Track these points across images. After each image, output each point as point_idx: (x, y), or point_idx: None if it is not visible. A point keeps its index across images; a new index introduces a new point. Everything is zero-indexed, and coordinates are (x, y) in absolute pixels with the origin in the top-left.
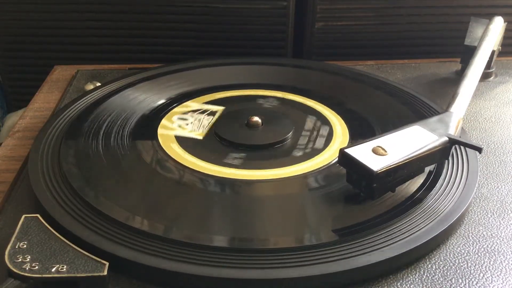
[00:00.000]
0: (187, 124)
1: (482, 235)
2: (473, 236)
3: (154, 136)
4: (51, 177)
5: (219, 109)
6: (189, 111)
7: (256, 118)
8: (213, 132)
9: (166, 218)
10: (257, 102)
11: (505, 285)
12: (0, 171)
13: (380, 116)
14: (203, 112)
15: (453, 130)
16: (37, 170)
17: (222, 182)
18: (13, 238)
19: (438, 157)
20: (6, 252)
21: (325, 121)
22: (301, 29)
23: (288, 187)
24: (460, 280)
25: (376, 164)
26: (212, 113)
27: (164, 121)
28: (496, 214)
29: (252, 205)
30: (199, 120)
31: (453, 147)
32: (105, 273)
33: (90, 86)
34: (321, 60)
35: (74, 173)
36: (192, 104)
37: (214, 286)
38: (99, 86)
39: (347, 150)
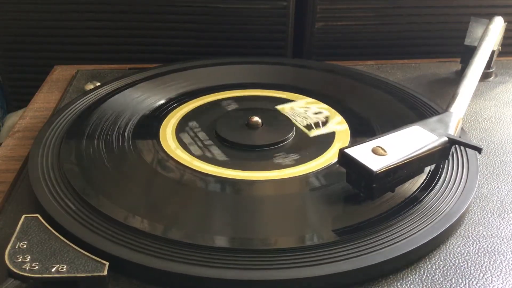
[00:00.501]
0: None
1: (482, 235)
2: (473, 236)
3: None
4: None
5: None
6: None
7: (256, 118)
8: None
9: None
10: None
11: (505, 285)
12: (0, 171)
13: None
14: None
15: (453, 130)
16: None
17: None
18: (13, 238)
19: (438, 157)
20: (6, 252)
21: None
22: (301, 29)
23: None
24: (460, 280)
25: (376, 164)
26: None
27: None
28: (496, 214)
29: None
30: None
31: (453, 147)
32: (105, 273)
33: (90, 86)
34: (321, 60)
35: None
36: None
37: (214, 287)
38: (99, 86)
39: (346, 150)
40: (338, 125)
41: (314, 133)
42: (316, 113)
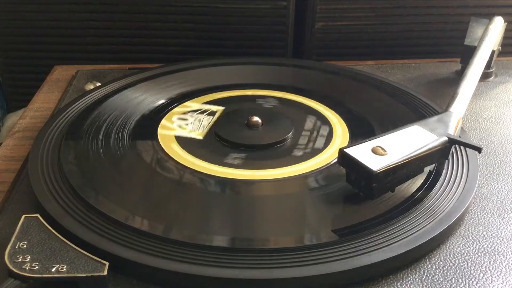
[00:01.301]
0: (187, 124)
1: (482, 235)
2: (473, 236)
3: (154, 136)
4: (51, 177)
5: (219, 109)
6: (189, 111)
7: (256, 118)
8: (213, 132)
9: (166, 218)
10: (257, 102)
11: (505, 285)
12: (0, 171)
13: (380, 116)
14: (203, 112)
15: (453, 130)
16: (37, 170)
17: (222, 182)
18: (13, 238)
19: (438, 157)
20: (6, 252)
21: (325, 121)
22: (301, 29)
23: (288, 187)
24: (460, 280)
25: (376, 164)
26: (212, 113)
27: (164, 121)
28: (496, 214)
29: (252, 205)
30: (199, 120)
31: (453, 147)
32: (105, 273)
33: (90, 86)
34: (321, 60)
35: (74, 173)
36: (192, 104)
37: (214, 286)
38: (99, 86)
39: (346, 150)
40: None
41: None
42: (201, 113)
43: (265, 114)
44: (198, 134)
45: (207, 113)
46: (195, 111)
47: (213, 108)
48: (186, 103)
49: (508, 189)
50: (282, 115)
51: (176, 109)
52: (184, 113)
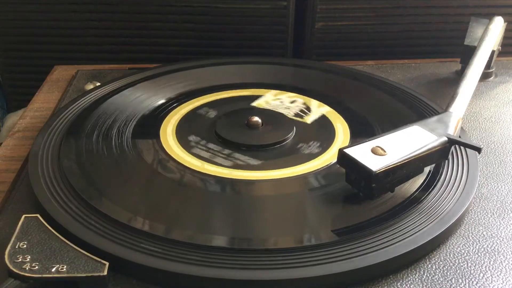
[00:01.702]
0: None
1: (482, 235)
2: (473, 236)
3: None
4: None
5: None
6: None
7: (256, 118)
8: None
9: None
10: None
11: (505, 285)
12: (0, 171)
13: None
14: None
15: (453, 130)
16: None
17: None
18: (13, 238)
19: (437, 157)
20: (6, 252)
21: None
22: (301, 29)
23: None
24: (460, 280)
25: (375, 164)
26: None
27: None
28: (496, 214)
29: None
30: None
31: (453, 147)
32: (105, 273)
33: (90, 86)
34: (321, 60)
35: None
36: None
37: (214, 287)
38: (99, 86)
39: (346, 150)
40: (322, 108)
41: (309, 119)
42: (292, 102)
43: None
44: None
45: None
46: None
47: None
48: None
49: (508, 189)
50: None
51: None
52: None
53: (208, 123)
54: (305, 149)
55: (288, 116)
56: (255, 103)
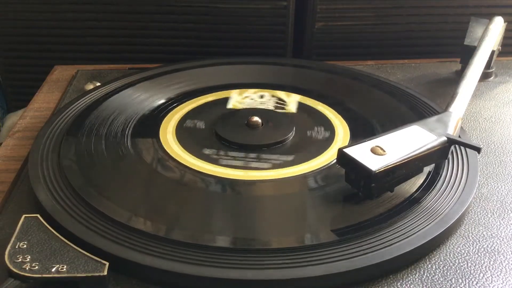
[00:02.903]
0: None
1: (482, 235)
2: (473, 236)
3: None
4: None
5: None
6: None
7: (256, 118)
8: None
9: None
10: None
11: (505, 285)
12: (0, 171)
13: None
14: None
15: (452, 130)
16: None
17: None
18: (13, 238)
19: (437, 157)
20: (6, 252)
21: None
22: (301, 29)
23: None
24: (460, 280)
25: (375, 164)
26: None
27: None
28: (496, 214)
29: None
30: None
31: (453, 147)
32: (105, 273)
33: (90, 86)
34: (321, 60)
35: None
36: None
37: (214, 287)
38: (99, 86)
39: (345, 150)
40: (291, 96)
41: (292, 109)
42: (261, 97)
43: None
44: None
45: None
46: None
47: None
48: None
49: (508, 189)
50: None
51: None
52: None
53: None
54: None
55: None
56: (229, 106)
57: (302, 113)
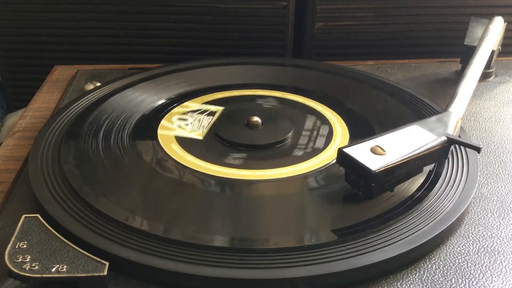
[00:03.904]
0: (187, 125)
1: (482, 235)
2: (473, 236)
3: (154, 136)
4: (51, 177)
5: (219, 109)
6: (188, 111)
7: (256, 118)
8: (213, 132)
9: (166, 218)
10: (257, 102)
11: (505, 285)
12: (0, 171)
13: (380, 116)
14: (203, 112)
15: (452, 130)
16: (37, 170)
17: (222, 182)
18: (13, 238)
19: (437, 157)
20: (6, 252)
21: (325, 121)
22: (301, 29)
23: (288, 187)
24: (460, 280)
25: (374, 163)
26: (212, 113)
27: (164, 121)
28: (496, 214)
29: (252, 205)
30: (199, 120)
31: (453, 147)
32: (105, 273)
33: (90, 86)
34: (321, 60)
35: (74, 173)
36: (192, 105)
37: (214, 286)
38: (99, 86)
39: (345, 150)
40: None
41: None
42: (199, 120)
43: (265, 114)
44: (198, 134)
45: (206, 113)
46: (194, 111)
47: (213, 108)
48: (186, 103)
49: (508, 189)
50: (282, 115)
51: (175, 109)
52: (184, 113)
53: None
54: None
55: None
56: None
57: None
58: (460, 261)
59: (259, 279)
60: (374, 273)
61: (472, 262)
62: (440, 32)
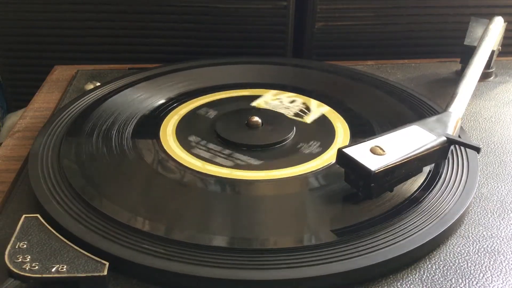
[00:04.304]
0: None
1: (482, 235)
2: (473, 236)
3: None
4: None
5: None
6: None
7: (256, 118)
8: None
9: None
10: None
11: (505, 285)
12: (0, 171)
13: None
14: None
15: (452, 130)
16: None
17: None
18: (13, 238)
19: (436, 157)
20: (6, 252)
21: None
22: (301, 29)
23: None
24: (460, 280)
25: (374, 163)
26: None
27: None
28: (496, 214)
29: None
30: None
31: (453, 147)
32: (105, 273)
33: (90, 86)
34: (321, 60)
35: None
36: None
37: (214, 287)
38: (99, 86)
39: (345, 150)
40: (321, 108)
41: (308, 119)
42: (291, 102)
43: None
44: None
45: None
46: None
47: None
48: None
49: (508, 189)
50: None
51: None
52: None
53: (208, 123)
54: (305, 149)
55: (288, 116)
56: (254, 103)
57: (314, 125)
58: (460, 261)
59: (259, 280)
60: (374, 274)
61: (472, 262)
62: (440, 32)
